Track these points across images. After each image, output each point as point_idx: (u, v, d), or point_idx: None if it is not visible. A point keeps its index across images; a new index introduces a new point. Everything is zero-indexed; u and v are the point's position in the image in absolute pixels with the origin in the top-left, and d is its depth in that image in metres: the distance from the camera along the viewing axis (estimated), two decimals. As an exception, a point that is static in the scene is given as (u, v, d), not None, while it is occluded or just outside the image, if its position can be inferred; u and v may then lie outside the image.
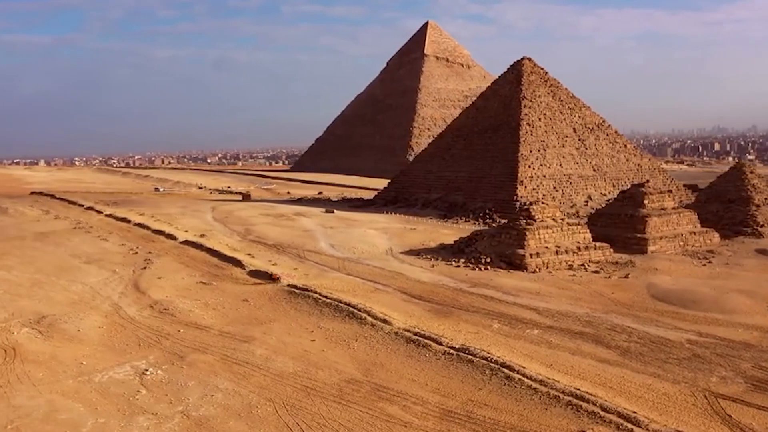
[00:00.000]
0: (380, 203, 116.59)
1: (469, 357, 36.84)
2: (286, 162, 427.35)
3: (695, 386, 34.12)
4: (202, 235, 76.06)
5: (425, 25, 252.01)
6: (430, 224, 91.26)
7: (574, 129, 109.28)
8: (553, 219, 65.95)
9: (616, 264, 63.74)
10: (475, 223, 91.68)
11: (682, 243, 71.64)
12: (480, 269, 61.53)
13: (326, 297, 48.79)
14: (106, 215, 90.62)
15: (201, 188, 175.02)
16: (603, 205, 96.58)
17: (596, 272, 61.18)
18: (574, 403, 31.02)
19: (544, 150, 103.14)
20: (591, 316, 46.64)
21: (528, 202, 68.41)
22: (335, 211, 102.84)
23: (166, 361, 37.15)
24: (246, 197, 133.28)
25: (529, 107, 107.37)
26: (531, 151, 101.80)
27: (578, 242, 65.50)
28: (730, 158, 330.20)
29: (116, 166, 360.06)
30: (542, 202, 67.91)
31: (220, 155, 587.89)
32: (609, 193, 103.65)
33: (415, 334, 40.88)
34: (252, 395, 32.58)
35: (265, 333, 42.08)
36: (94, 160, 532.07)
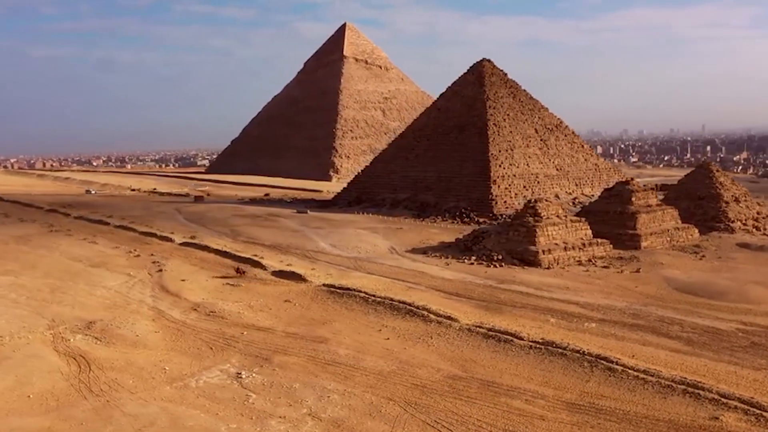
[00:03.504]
0: (343, 203, 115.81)
1: (560, 350, 37.21)
2: (176, 165, 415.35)
3: (776, 372, 35.54)
4: (192, 237, 73.69)
5: (343, 27, 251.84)
6: (410, 224, 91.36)
7: (535, 129, 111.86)
8: (558, 216, 67.37)
9: (621, 259, 65.61)
10: (453, 222, 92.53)
11: (668, 238, 74.42)
12: (495, 266, 62.17)
13: (374, 296, 48.26)
14: (76, 217, 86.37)
15: (134, 190, 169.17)
16: (570, 204, 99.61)
17: (606, 267, 62.84)
18: (690, 391, 31.74)
19: (512, 150, 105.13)
20: (633, 309, 47.81)
21: (533, 200, 69.54)
22: (308, 211, 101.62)
23: (253, 364, 35.87)
24: (199, 198, 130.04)
25: (494, 108, 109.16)
26: (500, 151, 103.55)
27: (581, 238, 67.15)
28: (615, 160, 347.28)
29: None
30: (546, 200, 69.35)
31: (104, 158, 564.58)
32: (573, 191, 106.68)
33: (489, 329, 40.95)
34: (367, 395, 31.88)
35: (335, 333, 41.20)
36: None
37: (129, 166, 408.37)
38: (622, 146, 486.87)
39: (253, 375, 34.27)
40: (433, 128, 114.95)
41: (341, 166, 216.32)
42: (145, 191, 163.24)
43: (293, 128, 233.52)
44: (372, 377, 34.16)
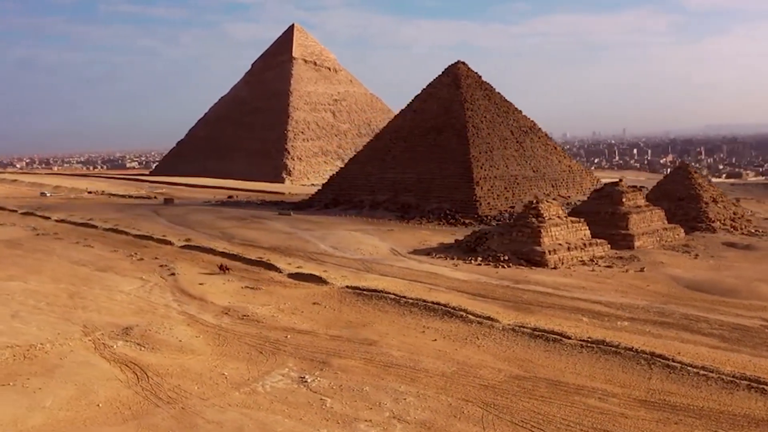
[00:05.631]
0: (319, 205, 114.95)
1: (613, 349, 37.68)
2: (104, 167, 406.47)
3: (818, 366, 36.68)
4: (188, 240, 72.11)
5: (291, 28, 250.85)
6: (397, 225, 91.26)
7: (511, 132, 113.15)
8: (558, 216, 68.27)
9: (621, 259, 66.87)
10: (440, 224, 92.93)
11: (658, 238, 76.21)
12: (503, 267, 62.61)
13: (405, 297, 48.09)
14: (58, 221, 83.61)
15: (90, 192, 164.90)
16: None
17: (609, 267, 63.94)
18: (753, 386, 32.50)
19: (491, 152, 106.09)
20: (655, 307, 48.74)
21: (535, 200, 70.31)
22: (291, 213, 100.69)
23: (313, 368, 35.28)
24: (169, 201, 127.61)
25: (471, 110, 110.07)
26: (480, 153, 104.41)
27: (582, 238, 68.22)
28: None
29: None
30: (546, 201, 70.23)
31: (27, 160, 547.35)
32: (550, 193, 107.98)
33: (534, 329, 41.24)
34: (442, 397, 31.71)
35: (381, 336, 40.86)
36: None
37: (55, 168, 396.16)
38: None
39: (318, 379, 33.69)
40: (409, 130, 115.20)
41: (294, 168, 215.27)
42: (106, 193, 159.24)
43: (242, 130, 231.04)
44: (438, 379, 33.98)
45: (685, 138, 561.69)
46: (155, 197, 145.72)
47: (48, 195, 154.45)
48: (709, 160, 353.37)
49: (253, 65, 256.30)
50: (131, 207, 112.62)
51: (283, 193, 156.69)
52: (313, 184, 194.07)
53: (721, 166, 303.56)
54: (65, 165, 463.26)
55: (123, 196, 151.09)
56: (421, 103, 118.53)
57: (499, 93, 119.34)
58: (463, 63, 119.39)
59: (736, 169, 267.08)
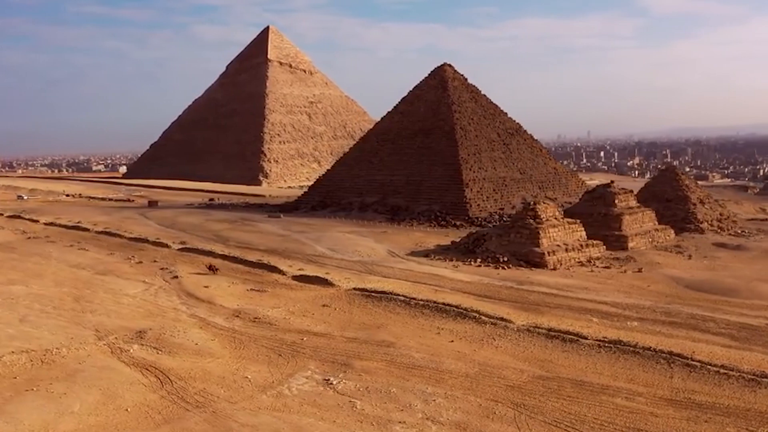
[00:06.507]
0: (306, 207, 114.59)
1: (631, 348, 37.98)
2: (70, 170, 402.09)
3: (830, 364, 37.29)
4: (183, 243, 71.37)
5: (266, 30, 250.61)
6: (389, 227, 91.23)
7: (498, 134, 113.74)
8: (555, 218, 68.71)
9: (617, 260, 67.44)
10: (431, 225, 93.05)
11: (650, 239, 77.07)
12: (503, 268, 62.82)
13: (415, 299, 48.06)
14: (47, 224, 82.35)
15: (68, 195, 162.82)
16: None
17: (607, 267, 64.48)
18: (775, 384, 33.02)
19: (479, 154, 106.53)
20: (661, 307, 49.18)
21: (532, 202, 70.74)
22: (281, 215, 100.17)
23: (335, 370, 35.08)
24: (153, 203, 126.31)
25: (459, 112, 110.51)
26: (468, 155, 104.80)
27: (578, 240, 68.73)
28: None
29: None
30: (544, 202, 70.66)
31: None
32: (537, 195, 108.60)
33: (549, 330, 41.42)
34: (471, 397, 31.69)
35: (397, 337, 40.74)
36: None
37: (19, 171, 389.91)
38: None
39: (343, 381, 33.49)
40: (396, 132, 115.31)
41: (270, 171, 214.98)
42: (84, 196, 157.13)
43: (218, 132, 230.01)
44: (463, 380, 33.96)
45: (649, 141, 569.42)
46: (132, 200, 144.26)
47: (26, 198, 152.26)
48: (674, 163, 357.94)
49: (227, 67, 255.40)
50: (116, 210, 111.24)
51: (264, 196, 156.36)
52: (290, 187, 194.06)
53: (687, 169, 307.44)
54: (29, 168, 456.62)
55: (102, 199, 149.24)
56: (407, 105, 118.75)
57: (485, 95, 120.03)
58: (450, 65, 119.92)
59: (702, 172, 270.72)
